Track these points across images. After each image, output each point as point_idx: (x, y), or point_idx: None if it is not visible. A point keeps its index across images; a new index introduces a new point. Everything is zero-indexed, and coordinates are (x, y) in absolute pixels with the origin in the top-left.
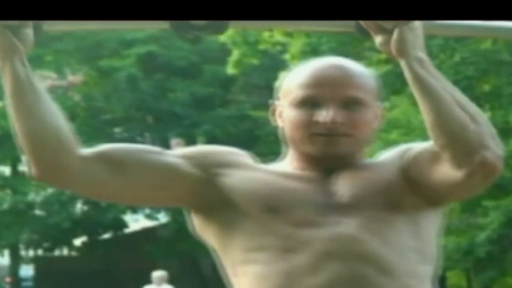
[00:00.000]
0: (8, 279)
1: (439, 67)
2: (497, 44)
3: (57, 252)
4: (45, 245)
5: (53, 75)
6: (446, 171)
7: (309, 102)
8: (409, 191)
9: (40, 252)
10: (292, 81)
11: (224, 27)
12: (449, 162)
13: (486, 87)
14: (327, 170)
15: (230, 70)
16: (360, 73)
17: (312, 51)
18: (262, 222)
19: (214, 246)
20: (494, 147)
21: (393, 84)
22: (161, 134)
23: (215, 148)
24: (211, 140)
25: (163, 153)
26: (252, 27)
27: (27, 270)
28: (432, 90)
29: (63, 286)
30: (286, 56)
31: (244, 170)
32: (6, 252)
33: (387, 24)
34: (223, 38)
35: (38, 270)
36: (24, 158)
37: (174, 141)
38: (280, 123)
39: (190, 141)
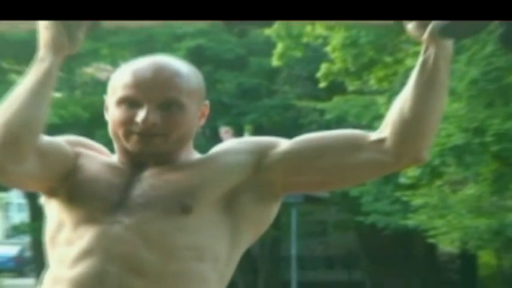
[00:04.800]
0: None
1: (471, 58)
2: None
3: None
4: None
5: (109, 67)
6: (369, 157)
7: (129, 102)
8: (249, 185)
9: None
10: (117, 80)
11: (270, 21)
12: (387, 147)
13: None
14: (142, 166)
15: (275, 62)
16: (181, 73)
17: (352, 43)
18: (64, 212)
19: None
20: (428, 148)
21: None
22: (210, 123)
23: (75, 139)
24: (258, 128)
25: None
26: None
27: None
28: (439, 83)
29: None
30: (328, 48)
31: (86, 160)
32: None
33: None
34: (268, 31)
35: None
36: None
37: (223, 129)
38: (107, 118)
39: (238, 129)
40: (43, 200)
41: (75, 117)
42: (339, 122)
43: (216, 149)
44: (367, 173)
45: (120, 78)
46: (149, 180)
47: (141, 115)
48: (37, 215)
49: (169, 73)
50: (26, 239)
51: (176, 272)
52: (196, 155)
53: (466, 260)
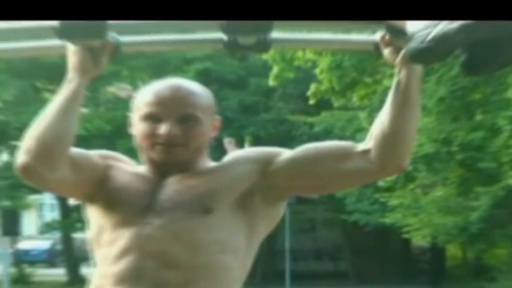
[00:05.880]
0: None
1: (439, 79)
2: None
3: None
4: None
5: (128, 87)
6: (357, 165)
7: (152, 118)
8: (259, 189)
9: None
10: (141, 99)
11: (267, 47)
12: (371, 157)
13: (477, 96)
14: (165, 174)
15: (271, 82)
16: (195, 93)
17: (337, 66)
18: (104, 217)
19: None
20: (409, 157)
21: None
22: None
23: (105, 153)
24: (256, 139)
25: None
26: (289, 47)
27: None
28: (412, 103)
29: None
30: (316, 71)
31: (116, 172)
32: None
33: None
34: (265, 56)
35: None
36: (23, 149)
37: (226, 140)
38: (133, 132)
39: (239, 140)
40: (85, 209)
41: (100, 130)
42: (326, 134)
43: (228, 158)
44: (355, 180)
45: (143, 98)
46: (173, 186)
47: (163, 128)
48: (66, 213)
49: (185, 92)
50: (57, 235)
51: (203, 264)
52: (210, 163)
53: (436, 252)
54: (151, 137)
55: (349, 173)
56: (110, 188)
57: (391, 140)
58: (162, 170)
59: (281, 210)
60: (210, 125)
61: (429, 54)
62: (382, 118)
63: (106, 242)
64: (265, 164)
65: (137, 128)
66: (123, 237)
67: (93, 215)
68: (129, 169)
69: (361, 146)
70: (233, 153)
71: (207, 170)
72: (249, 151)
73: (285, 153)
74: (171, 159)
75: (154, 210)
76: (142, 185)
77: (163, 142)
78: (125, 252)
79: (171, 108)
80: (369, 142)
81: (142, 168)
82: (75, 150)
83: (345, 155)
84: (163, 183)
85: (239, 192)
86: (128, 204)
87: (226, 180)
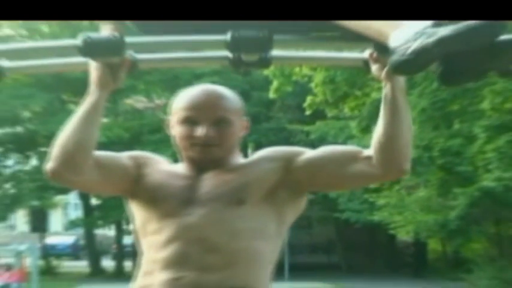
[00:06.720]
0: (114, 246)
1: (421, 92)
2: None
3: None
4: None
5: (144, 99)
6: (363, 169)
7: (189, 121)
8: (283, 184)
9: None
10: (178, 104)
11: (268, 64)
12: (374, 163)
13: (455, 107)
14: (202, 171)
15: (271, 95)
16: (226, 97)
17: (330, 81)
18: (149, 209)
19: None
20: (409, 161)
21: None
22: None
23: (137, 153)
24: (258, 145)
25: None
26: (287, 64)
27: (128, 240)
28: (401, 112)
29: None
30: (312, 84)
31: (152, 169)
32: (113, 227)
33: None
34: (266, 71)
35: (136, 240)
36: (51, 156)
37: None
38: (172, 133)
39: (244, 146)
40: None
41: (118, 137)
42: (321, 141)
43: (256, 155)
44: (362, 181)
45: (180, 103)
46: (210, 180)
47: (200, 131)
48: (88, 212)
49: (217, 97)
50: (80, 231)
51: (241, 248)
52: (241, 159)
53: (418, 246)
54: (190, 138)
55: (355, 176)
56: (150, 184)
57: (387, 146)
58: (199, 167)
59: (304, 201)
60: (239, 126)
61: (409, 66)
62: (378, 128)
63: (152, 231)
64: (288, 162)
65: (176, 130)
66: (169, 226)
67: (137, 208)
68: (166, 167)
69: (366, 152)
70: (260, 152)
71: (238, 166)
72: (275, 150)
73: (306, 153)
74: (207, 157)
75: (195, 203)
76: (182, 181)
77: (200, 143)
78: (171, 240)
79: (206, 112)
80: (371, 149)
81: (180, 166)
82: (103, 154)
83: (353, 159)
84: (200, 178)
85: (267, 186)
86: (171, 198)
87: (255, 175)
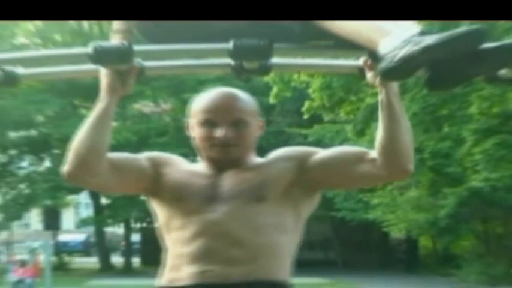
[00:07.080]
0: (122, 243)
1: (413, 97)
2: None
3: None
4: (149, 219)
5: (151, 104)
6: (369, 170)
7: (208, 123)
8: (298, 182)
9: (145, 224)
10: (197, 107)
11: (268, 71)
12: (378, 165)
13: (445, 111)
14: (222, 170)
15: (271, 100)
16: (243, 99)
17: (327, 87)
18: (172, 207)
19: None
20: (412, 161)
21: None
22: None
23: (154, 154)
24: (259, 148)
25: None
26: (286, 71)
27: (136, 237)
28: (397, 115)
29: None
30: (310, 90)
31: (171, 169)
32: (122, 225)
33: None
34: (266, 78)
35: (143, 237)
36: (67, 159)
37: None
38: (192, 135)
39: None
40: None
41: (127, 141)
42: (318, 144)
43: (272, 155)
44: (369, 181)
45: (200, 106)
46: (231, 179)
47: (219, 132)
48: (99, 211)
49: (235, 99)
50: (91, 229)
51: (263, 243)
52: (257, 158)
53: (410, 243)
54: (209, 139)
55: (363, 176)
56: (172, 183)
57: (388, 149)
58: (219, 166)
59: (317, 198)
60: (256, 126)
61: (397, 72)
62: (378, 132)
63: (176, 227)
64: (302, 161)
65: (196, 131)
66: (193, 222)
67: (159, 205)
68: (186, 166)
69: (372, 153)
70: (276, 151)
71: (256, 165)
72: (290, 150)
73: (319, 153)
74: (227, 157)
75: (218, 200)
76: (204, 180)
77: (220, 144)
78: (196, 235)
79: (224, 114)
80: (375, 152)
81: (199, 165)
82: (118, 156)
83: (360, 160)
84: (221, 177)
85: (284, 184)
86: (194, 196)
87: (273, 174)
